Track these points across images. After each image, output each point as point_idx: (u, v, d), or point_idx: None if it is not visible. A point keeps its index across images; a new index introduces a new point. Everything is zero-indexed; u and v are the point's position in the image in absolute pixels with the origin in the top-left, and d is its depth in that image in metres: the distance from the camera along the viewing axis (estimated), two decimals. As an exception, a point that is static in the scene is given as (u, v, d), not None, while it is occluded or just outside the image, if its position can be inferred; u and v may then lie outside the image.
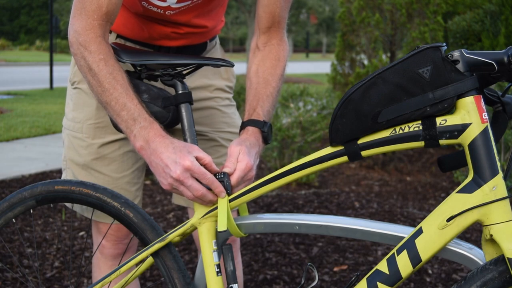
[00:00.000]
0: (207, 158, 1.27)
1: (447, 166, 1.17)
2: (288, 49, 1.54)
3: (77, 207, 1.60)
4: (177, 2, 1.41)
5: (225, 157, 1.62)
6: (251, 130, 1.41)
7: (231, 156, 1.33)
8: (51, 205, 3.55)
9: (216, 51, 1.66)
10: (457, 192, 1.06)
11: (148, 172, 1.83)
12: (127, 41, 1.52)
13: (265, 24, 1.48)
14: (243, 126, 1.43)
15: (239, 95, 5.94)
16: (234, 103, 1.71)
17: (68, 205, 1.58)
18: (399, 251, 1.08)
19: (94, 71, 1.28)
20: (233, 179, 1.30)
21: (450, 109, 1.05)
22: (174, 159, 1.24)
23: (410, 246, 1.07)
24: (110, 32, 1.51)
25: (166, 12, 1.43)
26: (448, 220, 1.05)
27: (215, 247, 1.32)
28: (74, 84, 1.57)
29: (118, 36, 1.52)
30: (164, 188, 1.28)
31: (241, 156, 1.33)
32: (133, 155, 1.57)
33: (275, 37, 1.50)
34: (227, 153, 1.63)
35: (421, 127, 1.07)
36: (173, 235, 1.34)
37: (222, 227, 1.25)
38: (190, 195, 1.26)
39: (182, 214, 3.50)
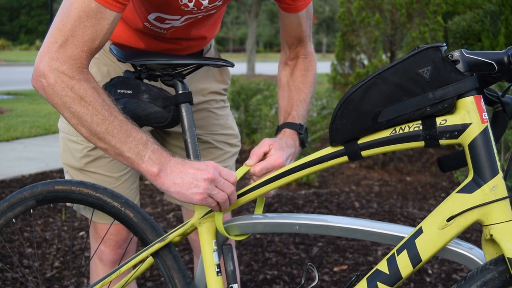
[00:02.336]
0: None
1: (447, 166, 1.17)
2: (316, 60, 1.56)
3: (77, 206, 1.60)
4: (181, 23, 1.42)
5: (219, 159, 1.62)
6: (288, 132, 1.41)
7: (258, 147, 1.33)
8: (51, 205, 3.55)
9: (210, 54, 1.67)
10: (457, 192, 1.06)
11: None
12: None
13: (291, 44, 1.52)
14: (279, 129, 1.43)
15: (239, 95, 5.94)
16: (228, 105, 1.71)
17: (69, 204, 1.58)
18: (399, 251, 1.08)
19: (87, 100, 1.16)
20: (257, 167, 1.30)
21: (450, 109, 1.05)
22: (198, 164, 1.21)
23: (410, 246, 1.07)
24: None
25: (169, 32, 1.44)
26: (448, 220, 1.05)
27: (215, 247, 1.32)
28: None
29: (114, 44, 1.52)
30: (198, 201, 1.20)
31: (272, 151, 1.33)
32: None
33: (302, 53, 1.53)
34: (221, 155, 1.64)
35: (421, 127, 1.07)
36: (173, 235, 1.34)
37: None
38: (223, 196, 1.22)
39: (182, 214, 3.50)
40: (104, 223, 1.57)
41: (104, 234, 1.57)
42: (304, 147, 1.43)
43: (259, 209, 1.37)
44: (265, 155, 1.34)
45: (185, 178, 1.19)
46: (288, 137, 1.40)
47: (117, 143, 1.18)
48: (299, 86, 1.49)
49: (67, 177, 1.61)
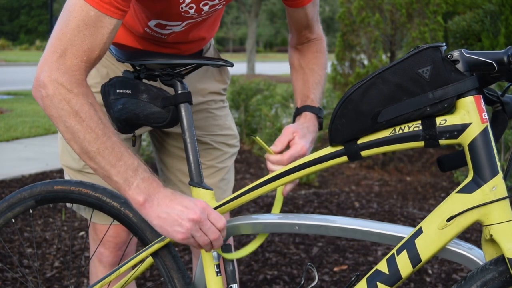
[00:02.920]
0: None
1: (447, 166, 1.17)
2: (325, 40, 1.57)
3: (77, 207, 1.60)
4: (181, 28, 1.41)
5: (217, 160, 1.61)
6: (309, 115, 1.42)
7: (282, 135, 1.34)
8: (51, 205, 3.55)
9: (210, 54, 1.66)
10: (457, 192, 1.05)
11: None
12: None
13: (299, 31, 1.52)
14: (299, 112, 1.44)
15: (239, 95, 5.93)
16: (227, 105, 1.70)
17: (69, 204, 1.58)
18: (399, 251, 1.08)
19: (82, 116, 1.13)
20: (285, 156, 1.31)
21: (450, 109, 1.05)
22: (187, 201, 1.18)
23: (410, 246, 1.07)
24: None
25: (169, 37, 1.44)
26: (448, 220, 1.05)
27: (214, 247, 1.32)
28: None
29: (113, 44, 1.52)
30: (179, 240, 1.18)
31: (296, 139, 1.34)
32: None
33: (311, 36, 1.53)
34: (219, 156, 1.63)
35: (421, 127, 1.06)
36: (173, 235, 1.33)
37: None
38: (206, 240, 1.19)
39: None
40: (103, 223, 1.57)
41: (103, 236, 1.57)
42: (321, 130, 1.45)
43: (276, 209, 1.36)
44: (289, 143, 1.35)
45: (170, 214, 1.16)
46: (309, 122, 1.41)
47: (106, 165, 1.14)
48: (313, 68, 1.50)
49: (67, 178, 1.61)
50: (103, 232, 1.57)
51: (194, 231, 1.17)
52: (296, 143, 1.33)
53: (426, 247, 1.06)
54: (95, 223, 1.59)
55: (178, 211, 1.16)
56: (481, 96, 1.05)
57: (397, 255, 1.08)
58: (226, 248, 1.31)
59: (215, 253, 1.31)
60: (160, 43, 1.48)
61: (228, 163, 1.67)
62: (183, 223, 1.15)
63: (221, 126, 1.65)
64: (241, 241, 3.03)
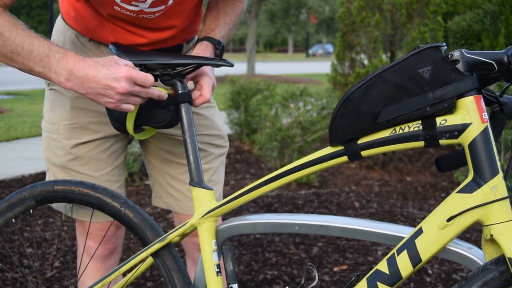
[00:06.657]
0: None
1: (445, 166, 1.17)
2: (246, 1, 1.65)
3: (61, 207, 1.59)
4: (149, 7, 1.39)
5: (203, 161, 1.60)
6: (205, 43, 1.49)
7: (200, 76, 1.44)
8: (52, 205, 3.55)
9: (191, 53, 1.65)
10: (457, 192, 1.05)
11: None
12: (100, 45, 1.51)
13: None
14: (198, 41, 1.51)
15: (239, 95, 5.93)
16: (214, 105, 1.68)
17: (54, 205, 1.57)
18: (399, 251, 1.08)
19: None
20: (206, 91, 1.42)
21: (450, 109, 1.05)
22: (111, 75, 1.23)
23: (410, 246, 1.07)
24: (83, 35, 1.51)
25: (139, 16, 1.41)
26: (448, 220, 1.05)
27: (215, 247, 1.32)
28: (49, 85, 1.56)
29: (90, 40, 1.52)
30: (112, 108, 1.26)
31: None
32: (112, 153, 1.57)
33: None
34: (204, 157, 1.62)
35: (421, 127, 1.06)
36: (173, 235, 1.34)
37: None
38: (138, 100, 1.27)
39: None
40: (85, 220, 1.56)
41: (91, 229, 1.57)
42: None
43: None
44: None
45: (96, 88, 1.23)
46: (205, 50, 1.48)
47: (24, 61, 1.22)
48: (227, 11, 1.57)
49: (48, 175, 1.61)
50: (91, 226, 1.57)
51: (124, 99, 1.25)
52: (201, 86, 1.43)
53: (426, 247, 1.06)
54: (80, 220, 1.59)
55: (104, 87, 1.22)
56: (481, 96, 1.05)
57: (397, 255, 1.08)
58: (226, 248, 1.31)
59: (215, 253, 1.31)
60: (127, 23, 1.45)
61: (214, 164, 1.64)
62: (111, 96, 1.23)
63: (206, 126, 1.62)
64: (241, 241, 3.03)
